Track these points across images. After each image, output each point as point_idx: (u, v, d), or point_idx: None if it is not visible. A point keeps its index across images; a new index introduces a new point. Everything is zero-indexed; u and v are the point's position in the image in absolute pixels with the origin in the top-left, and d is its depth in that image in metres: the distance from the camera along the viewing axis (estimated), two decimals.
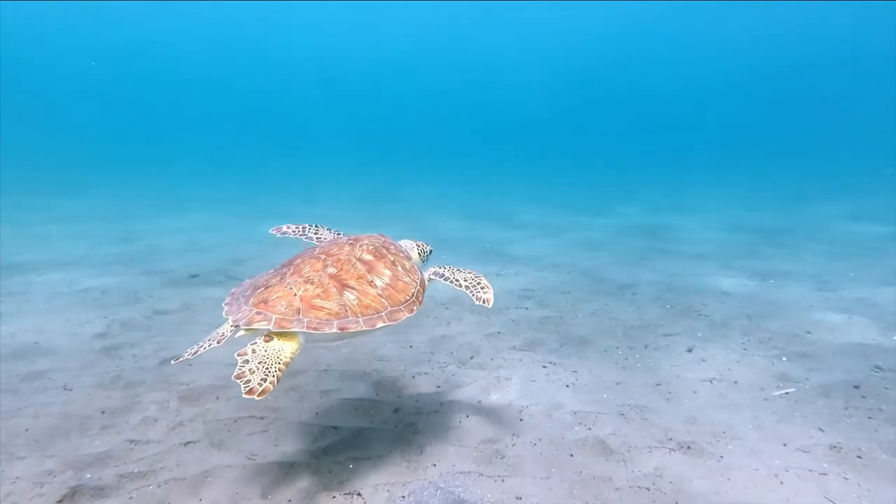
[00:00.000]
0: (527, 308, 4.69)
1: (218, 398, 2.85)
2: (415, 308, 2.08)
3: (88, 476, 2.15)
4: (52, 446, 2.37)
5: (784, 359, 3.52)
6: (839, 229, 9.05)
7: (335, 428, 2.58)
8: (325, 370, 3.22)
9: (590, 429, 2.57)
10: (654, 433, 2.54)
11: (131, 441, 2.42)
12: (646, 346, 3.77)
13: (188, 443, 2.41)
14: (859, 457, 2.37)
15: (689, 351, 3.69)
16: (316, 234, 2.55)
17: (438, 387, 3.04)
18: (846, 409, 2.81)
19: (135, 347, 3.58)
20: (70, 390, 2.90)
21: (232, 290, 2.12)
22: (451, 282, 2.34)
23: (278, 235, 2.54)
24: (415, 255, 2.55)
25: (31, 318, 4.18)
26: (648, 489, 2.14)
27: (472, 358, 3.48)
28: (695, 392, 3.01)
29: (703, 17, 36.75)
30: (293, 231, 2.54)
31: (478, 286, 2.32)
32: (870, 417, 2.71)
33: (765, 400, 2.91)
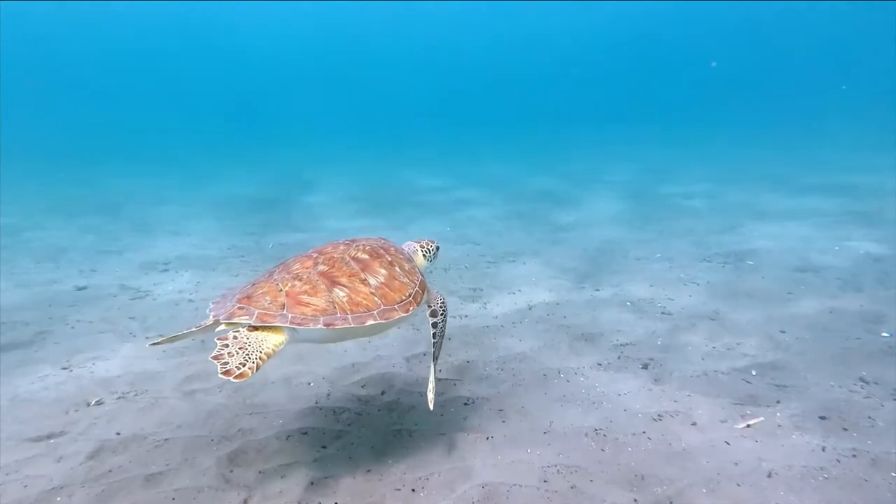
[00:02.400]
0: (466, 316, 4.10)
1: None
2: (411, 308, 2.03)
3: None
4: None
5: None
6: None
7: None
8: (167, 440, 2.50)
9: None
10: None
11: None
12: (599, 364, 3.21)
13: None
14: None
15: (644, 368, 3.14)
16: None
17: (323, 447, 2.41)
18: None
19: None
20: None
21: (224, 291, 2.12)
22: (434, 342, 2.23)
23: None
24: (419, 257, 2.52)
25: None
26: None
27: (383, 394, 2.88)
28: (644, 433, 2.46)
29: None
30: None
31: (433, 382, 2.20)
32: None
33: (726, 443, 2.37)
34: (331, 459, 2.25)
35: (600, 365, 3.20)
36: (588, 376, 3.05)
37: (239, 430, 2.48)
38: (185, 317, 4.15)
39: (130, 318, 4.13)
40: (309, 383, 2.96)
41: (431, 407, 2.18)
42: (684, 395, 2.81)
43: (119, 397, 2.83)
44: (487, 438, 2.39)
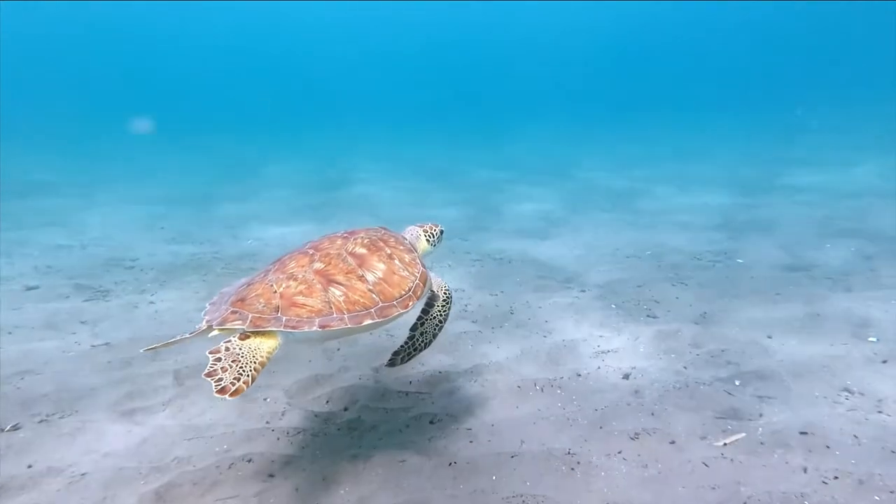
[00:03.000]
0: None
1: None
2: (410, 304, 2.00)
3: None
4: None
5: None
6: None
7: None
8: (84, 475, 2.28)
9: None
10: None
11: None
12: (578, 375, 3.06)
13: None
14: None
15: (625, 378, 3.01)
16: None
17: (270, 475, 2.23)
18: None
19: None
20: None
21: (222, 290, 2.07)
22: (422, 319, 2.25)
23: None
24: (422, 242, 2.48)
25: None
26: None
27: (345, 410, 2.72)
28: (620, 453, 2.33)
29: None
30: None
31: (414, 349, 2.27)
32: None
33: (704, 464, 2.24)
34: (276, 491, 2.07)
35: (579, 375, 3.06)
36: (565, 388, 2.91)
37: (175, 459, 2.26)
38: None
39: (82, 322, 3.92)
40: (265, 399, 2.78)
41: (393, 363, 2.24)
42: (664, 408, 2.67)
43: (41, 420, 2.57)
44: (450, 464, 2.24)
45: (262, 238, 6.61)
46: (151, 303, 4.32)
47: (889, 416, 2.52)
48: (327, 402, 2.80)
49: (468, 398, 2.81)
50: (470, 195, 9.06)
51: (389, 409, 2.71)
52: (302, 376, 3.02)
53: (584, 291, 4.45)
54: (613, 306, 4.08)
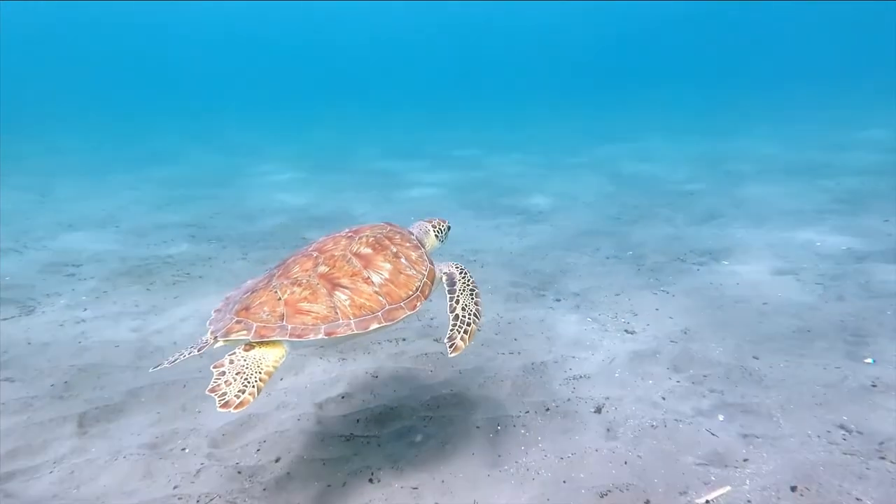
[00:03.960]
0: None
1: None
2: (418, 304, 1.96)
3: None
4: None
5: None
6: None
7: None
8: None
9: None
10: None
11: None
12: (547, 409, 2.73)
13: None
14: None
15: (597, 412, 2.68)
16: None
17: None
18: None
19: None
20: None
21: (227, 294, 2.04)
22: (452, 296, 2.08)
23: None
24: (430, 238, 2.42)
25: None
26: None
27: (277, 461, 2.35)
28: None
29: None
30: None
31: (464, 324, 2.00)
32: None
33: None
34: None
35: (547, 410, 2.73)
36: (530, 428, 2.57)
37: None
38: None
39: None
40: (183, 449, 2.40)
41: (455, 347, 1.90)
42: (637, 455, 2.36)
43: None
44: None
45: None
46: (81, 321, 3.88)
47: (893, 462, 2.23)
48: (257, 450, 2.43)
49: (417, 445, 2.46)
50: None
51: (327, 461, 2.35)
52: (230, 417, 2.64)
53: (558, 301, 4.11)
54: (589, 319, 3.75)
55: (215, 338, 1.75)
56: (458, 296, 2.10)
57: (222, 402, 1.51)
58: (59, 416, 2.60)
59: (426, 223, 2.45)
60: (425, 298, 2.00)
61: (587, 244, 5.56)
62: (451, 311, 2.06)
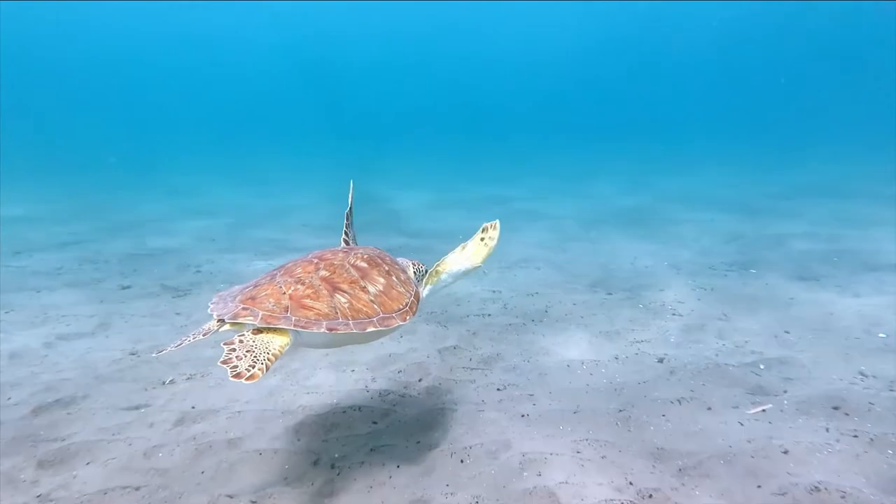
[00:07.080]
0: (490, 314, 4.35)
1: (89, 463, 2.34)
2: (408, 317, 2.08)
3: None
4: None
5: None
6: None
7: (230, 497, 2.10)
8: (239, 412, 2.78)
9: (539, 474, 2.24)
10: (613, 478, 2.22)
11: None
12: (617, 358, 3.46)
13: None
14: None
15: (660, 362, 3.39)
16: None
17: (374, 422, 2.67)
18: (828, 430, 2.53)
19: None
20: None
21: (218, 293, 2.10)
22: (457, 255, 2.33)
23: None
24: (410, 272, 2.50)
25: None
26: None
27: (420, 381, 3.12)
28: (664, 416, 2.71)
29: None
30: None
31: (482, 232, 2.32)
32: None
33: (739, 423, 2.61)
34: (384, 432, 2.51)
35: (617, 359, 3.45)
36: (608, 368, 3.30)
37: (300, 406, 2.77)
38: None
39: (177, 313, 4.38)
40: (352, 370, 3.22)
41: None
42: (698, 384, 3.05)
43: (188, 378, 3.14)
44: (522, 416, 2.64)
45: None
46: None
47: None
48: (400, 373, 3.22)
49: (524, 374, 3.21)
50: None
51: (458, 381, 3.11)
52: (377, 355, 3.45)
53: (609, 294, 4.86)
54: (641, 306, 4.48)
55: (222, 321, 1.82)
56: (459, 251, 2.34)
57: (234, 372, 1.61)
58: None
59: (407, 260, 2.57)
60: (413, 315, 2.13)
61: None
62: (464, 248, 2.33)
